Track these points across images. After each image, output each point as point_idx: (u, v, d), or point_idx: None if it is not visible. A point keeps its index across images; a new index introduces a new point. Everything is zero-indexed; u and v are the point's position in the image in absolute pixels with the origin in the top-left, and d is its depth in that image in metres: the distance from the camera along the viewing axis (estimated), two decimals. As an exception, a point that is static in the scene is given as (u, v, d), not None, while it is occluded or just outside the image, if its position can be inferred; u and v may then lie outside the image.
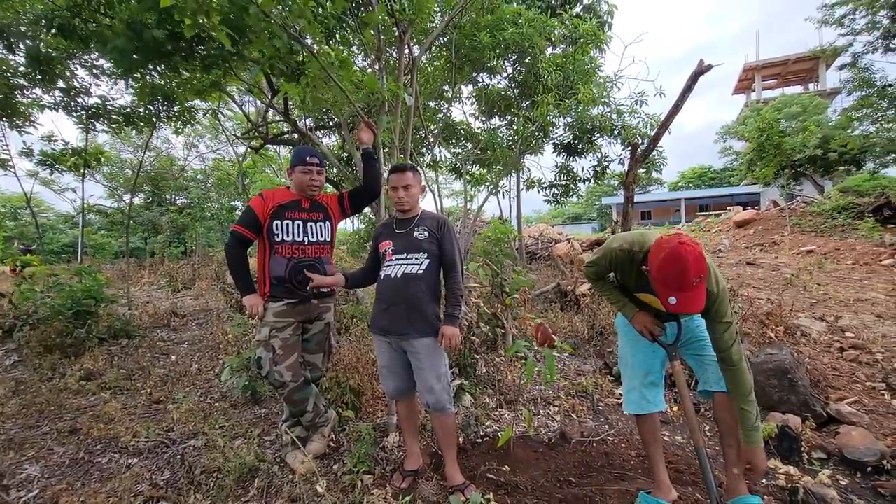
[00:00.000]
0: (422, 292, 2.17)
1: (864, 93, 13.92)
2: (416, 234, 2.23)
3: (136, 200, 16.68)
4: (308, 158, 2.50)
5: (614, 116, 6.97)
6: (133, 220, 12.66)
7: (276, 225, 2.44)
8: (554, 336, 2.38)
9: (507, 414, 3.19)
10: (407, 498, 2.09)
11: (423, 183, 2.29)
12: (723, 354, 1.79)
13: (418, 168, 2.32)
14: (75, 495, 2.25)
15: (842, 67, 14.61)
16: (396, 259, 2.23)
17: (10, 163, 6.90)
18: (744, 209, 17.98)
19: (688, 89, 4.81)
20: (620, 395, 3.51)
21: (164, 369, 4.26)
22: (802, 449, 2.53)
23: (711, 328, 1.81)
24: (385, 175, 2.95)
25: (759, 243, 12.31)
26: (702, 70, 4.61)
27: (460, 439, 2.67)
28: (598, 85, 6.88)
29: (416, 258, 2.20)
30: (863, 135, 15.20)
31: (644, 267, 1.77)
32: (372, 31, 3.03)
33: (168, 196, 17.91)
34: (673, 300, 1.63)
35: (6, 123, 5.97)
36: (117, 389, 3.77)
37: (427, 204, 34.87)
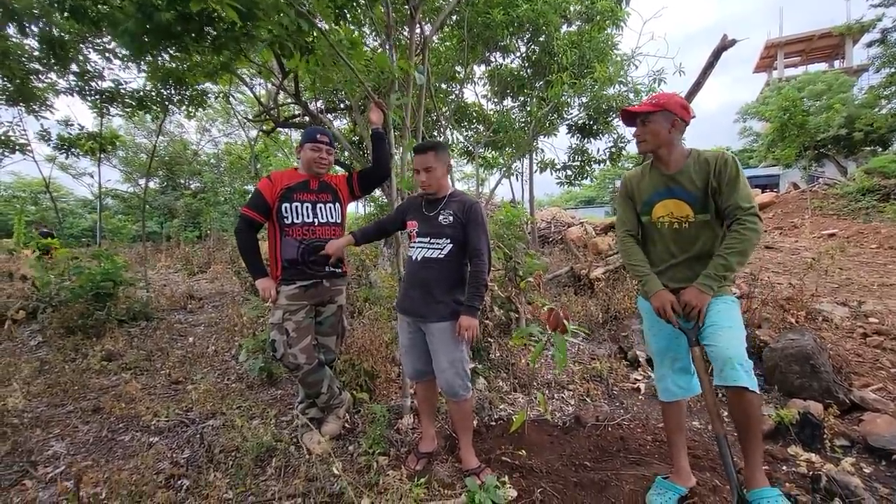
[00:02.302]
0: (439, 278, 2.15)
1: (893, 70, 13.36)
2: (440, 217, 2.17)
3: (152, 185, 16.92)
4: (318, 136, 2.50)
5: (631, 96, 6.75)
6: (149, 204, 12.82)
7: (286, 208, 2.43)
8: (566, 322, 2.32)
9: (522, 397, 3.19)
10: (422, 479, 2.10)
11: (450, 161, 2.23)
12: (742, 224, 1.78)
13: (442, 145, 2.23)
14: (100, 472, 2.31)
15: (870, 44, 14.02)
16: (420, 242, 2.22)
17: (29, 147, 6.98)
18: (763, 192, 17.57)
19: (710, 66, 4.65)
20: (636, 379, 3.50)
21: (181, 351, 4.33)
22: (825, 436, 2.48)
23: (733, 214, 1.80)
24: (396, 156, 2.91)
25: (778, 227, 12.05)
26: (725, 45, 4.44)
27: (475, 422, 2.68)
28: (615, 63, 6.66)
29: (439, 243, 2.16)
30: (891, 113, 14.67)
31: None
32: (382, 7, 2.94)
33: (182, 180, 18.13)
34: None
35: (23, 108, 6.03)
36: (137, 370, 3.86)
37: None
